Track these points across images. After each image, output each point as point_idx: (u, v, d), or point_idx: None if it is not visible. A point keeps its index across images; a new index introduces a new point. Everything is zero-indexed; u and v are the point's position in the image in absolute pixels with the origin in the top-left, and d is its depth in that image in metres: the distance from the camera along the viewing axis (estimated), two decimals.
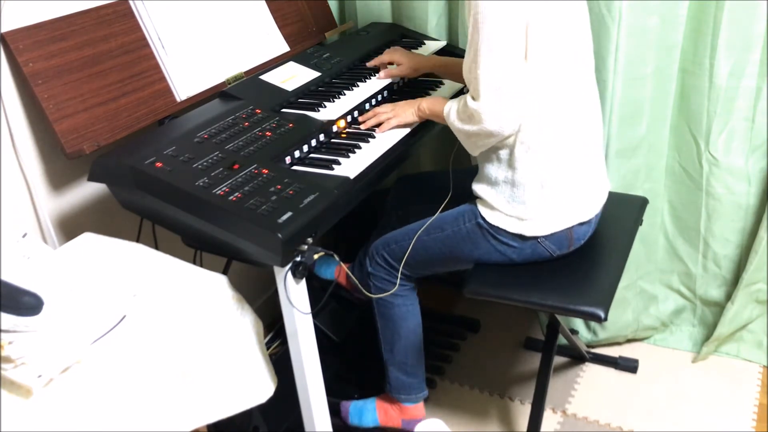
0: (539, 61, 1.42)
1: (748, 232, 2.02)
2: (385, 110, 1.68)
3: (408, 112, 1.65)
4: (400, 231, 1.72)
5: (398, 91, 1.93)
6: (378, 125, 1.68)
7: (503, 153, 1.52)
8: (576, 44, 1.50)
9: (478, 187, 1.60)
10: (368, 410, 1.89)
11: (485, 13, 1.36)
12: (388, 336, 1.79)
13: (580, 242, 1.61)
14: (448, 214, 1.66)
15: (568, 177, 1.53)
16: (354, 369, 2.13)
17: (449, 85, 1.93)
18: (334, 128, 1.68)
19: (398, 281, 1.70)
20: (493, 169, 1.54)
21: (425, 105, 1.63)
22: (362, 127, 1.69)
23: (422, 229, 1.66)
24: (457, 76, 1.89)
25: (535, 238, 1.55)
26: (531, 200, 1.52)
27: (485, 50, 1.38)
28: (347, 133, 1.69)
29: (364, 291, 1.69)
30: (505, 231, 1.56)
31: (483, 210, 1.58)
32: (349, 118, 1.73)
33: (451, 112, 1.52)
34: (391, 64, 1.93)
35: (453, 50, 2.14)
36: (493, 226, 1.56)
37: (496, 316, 2.37)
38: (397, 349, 1.79)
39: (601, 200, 1.63)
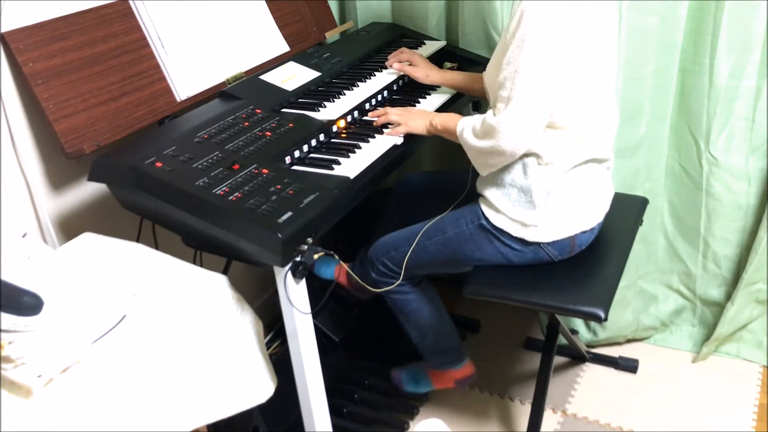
0: (573, 86, 1.43)
1: (748, 232, 2.02)
2: (397, 114, 1.67)
3: (419, 123, 1.64)
4: (399, 236, 1.72)
5: (398, 91, 1.93)
6: (383, 125, 1.68)
7: (515, 160, 1.51)
8: (607, 64, 1.50)
9: (483, 187, 1.59)
10: (422, 378, 1.95)
11: (536, 37, 1.36)
12: (414, 329, 1.82)
13: (582, 248, 1.61)
14: (449, 216, 1.65)
15: (576, 187, 1.53)
16: (354, 369, 2.13)
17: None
18: (334, 128, 1.68)
19: (400, 279, 1.70)
20: (502, 172, 1.54)
21: (438, 121, 1.61)
22: (371, 117, 1.70)
23: (422, 232, 1.66)
24: (464, 91, 1.89)
25: (538, 243, 1.55)
26: (537, 207, 1.51)
27: (527, 75, 1.37)
28: (347, 132, 1.69)
29: (367, 287, 1.69)
30: (507, 233, 1.56)
31: (487, 211, 1.58)
32: (349, 118, 1.73)
33: (465, 129, 1.51)
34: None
35: (453, 50, 2.14)
36: (496, 227, 1.56)
37: (496, 316, 2.37)
38: (428, 335, 1.83)
39: (605, 208, 1.63)
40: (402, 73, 1.92)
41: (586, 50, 1.42)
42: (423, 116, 1.65)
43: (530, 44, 1.36)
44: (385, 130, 1.66)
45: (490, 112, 1.46)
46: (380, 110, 1.71)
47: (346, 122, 1.72)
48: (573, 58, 1.40)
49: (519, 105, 1.38)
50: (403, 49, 1.97)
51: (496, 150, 1.44)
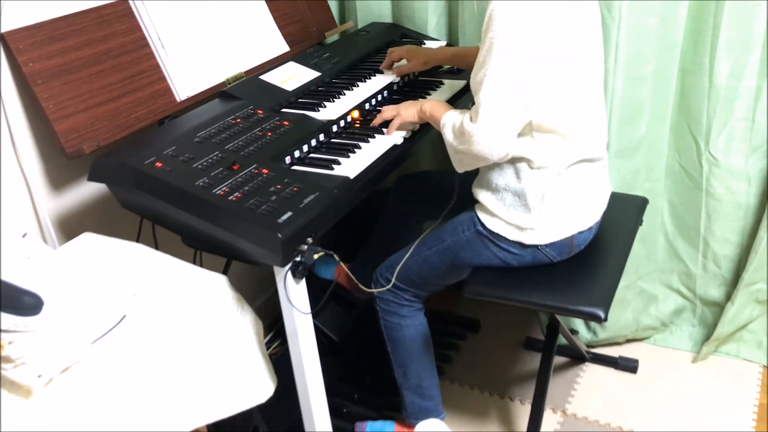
0: (553, 87, 1.41)
1: (748, 232, 2.02)
2: (390, 110, 1.67)
3: (411, 111, 1.64)
4: (401, 252, 1.70)
5: (398, 91, 1.93)
6: (382, 125, 1.68)
7: (507, 165, 1.51)
8: (590, 64, 1.49)
9: (478, 192, 1.59)
10: (387, 428, 1.87)
11: (502, 38, 1.33)
12: (400, 360, 1.77)
13: (580, 248, 1.61)
14: (448, 225, 1.65)
15: (570, 188, 1.52)
16: (354, 369, 2.13)
17: (449, 85, 1.93)
18: (348, 118, 1.70)
19: (393, 278, 1.69)
20: (495, 176, 1.53)
21: (427, 107, 1.61)
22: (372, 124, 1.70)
23: (420, 243, 1.66)
24: (466, 65, 1.88)
25: (536, 246, 1.55)
26: (532, 210, 1.51)
27: (496, 79, 1.35)
28: (360, 123, 1.72)
29: (364, 289, 1.68)
30: (505, 238, 1.55)
31: (483, 216, 1.57)
32: (355, 113, 1.75)
33: (446, 124, 1.51)
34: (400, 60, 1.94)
35: None
36: (493, 232, 1.56)
37: (496, 316, 2.37)
38: (411, 371, 1.77)
39: (602, 207, 1.63)
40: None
41: (564, 50, 1.39)
42: (413, 104, 1.65)
43: (498, 47, 1.33)
44: (384, 130, 1.66)
45: (468, 115, 1.44)
46: (377, 118, 1.70)
47: (360, 112, 1.73)
48: (549, 58, 1.37)
49: (490, 110, 1.37)
50: (392, 49, 1.96)
51: (471, 153, 1.43)
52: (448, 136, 1.49)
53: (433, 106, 1.60)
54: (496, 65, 1.35)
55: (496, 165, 1.52)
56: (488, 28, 1.35)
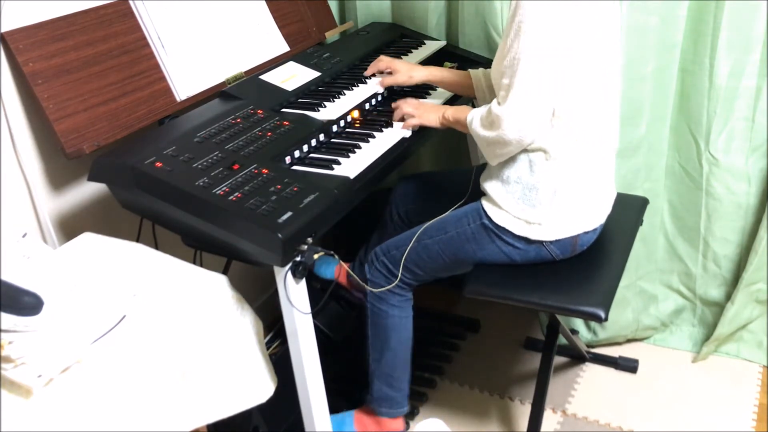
0: (576, 74, 1.42)
1: (748, 232, 2.02)
2: (411, 107, 1.67)
3: (432, 116, 1.64)
4: (400, 237, 1.70)
5: (398, 91, 1.93)
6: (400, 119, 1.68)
7: (521, 156, 1.51)
8: (610, 61, 1.50)
9: (487, 184, 1.59)
10: (347, 423, 1.86)
11: (531, 22, 1.35)
12: (378, 346, 1.76)
13: (583, 248, 1.61)
14: (452, 216, 1.65)
15: (582, 186, 1.53)
16: (354, 369, 2.13)
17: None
18: (348, 118, 1.70)
19: (399, 278, 1.69)
20: (507, 168, 1.53)
21: (450, 113, 1.62)
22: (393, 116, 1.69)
23: (423, 230, 1.65)
24: (453, 88, 1.86)
25: (541, 242, 1.55)
26: (542, 205, 1.51)
27: (525, 60, 1.36)
28: (360, 122, 1.72)
29: (365, 287, 1.68)
30: (510, 232, 1.55)
31: (489, 209, 1.57)
32: (356, 113, 1.75)
33: (474, 119, 1.51)
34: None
35: (453, 50, 2.14)
36: (499, 226, 1.56)
37: (496, 316, 2.37)
38: (386, 360, 1.76)
39: (608, 210, 1.63)
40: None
41: (587, 44, 1.41)
42: (435, 110, 1.66)
43: (526, 30, 1.36)
44: (396, 124, 1.66)
45: (495, 101, 1.46)
46: (396, 103, 1.70)
47: (360, 112, 1.73)
48: (573, 49, 1.39)
49: (520, 91, 1.38)
50: (381, 57, 1.90)
51: (502, 140, 1.44)
52: (478, 129, 1.50)
53: (456, 111, 1.61)
54: (526, 46, 1.36)
55: (511, 158, 1.52)
56: (515, 14, 1.38)
